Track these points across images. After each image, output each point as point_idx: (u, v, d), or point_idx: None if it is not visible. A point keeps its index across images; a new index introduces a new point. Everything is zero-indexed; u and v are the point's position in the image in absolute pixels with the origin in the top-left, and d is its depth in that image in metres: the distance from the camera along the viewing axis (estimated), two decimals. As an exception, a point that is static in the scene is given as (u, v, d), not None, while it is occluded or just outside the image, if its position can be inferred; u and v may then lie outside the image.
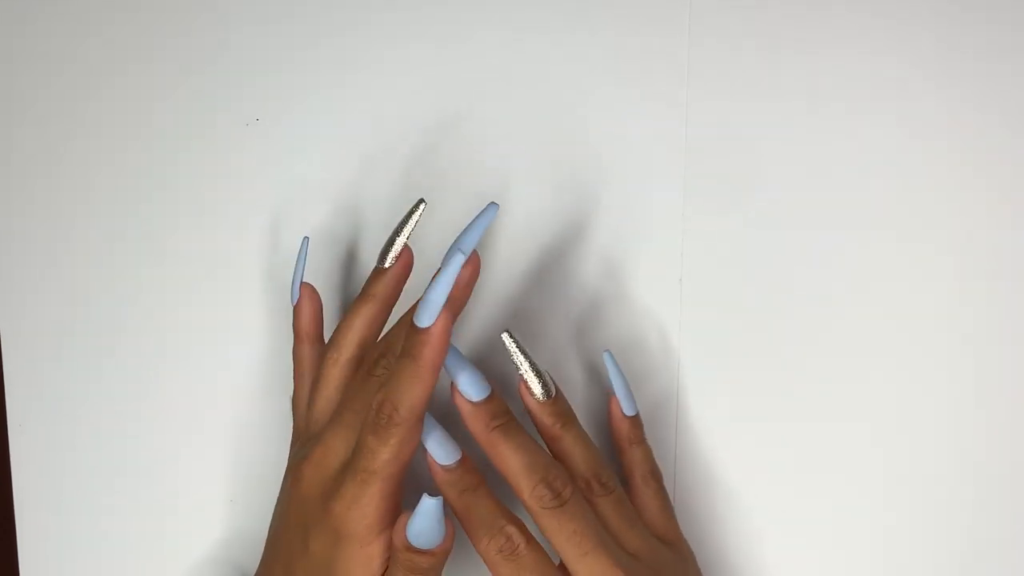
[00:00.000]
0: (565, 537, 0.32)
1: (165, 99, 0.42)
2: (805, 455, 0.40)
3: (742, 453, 0.40)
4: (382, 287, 0.37)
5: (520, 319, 0.41)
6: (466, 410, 0.34)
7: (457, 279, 0.32)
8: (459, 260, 0.31)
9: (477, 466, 0.35)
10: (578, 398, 0.41)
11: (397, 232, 0.37)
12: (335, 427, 0.35)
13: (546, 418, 0.35)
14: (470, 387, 0.33)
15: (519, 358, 0.35)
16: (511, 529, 0.33)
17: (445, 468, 0.34)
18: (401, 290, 0.38)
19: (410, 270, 0.38)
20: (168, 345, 0.43)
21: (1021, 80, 0.38)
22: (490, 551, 0.33)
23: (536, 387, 0.35)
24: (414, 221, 0.37)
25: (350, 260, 0.42)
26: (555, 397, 0.35)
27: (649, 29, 0.40)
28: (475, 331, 0.41)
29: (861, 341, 0.40)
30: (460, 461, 0.34)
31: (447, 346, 0.32)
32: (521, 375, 0.35)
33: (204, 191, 0.42)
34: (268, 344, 0.42)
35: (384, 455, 0.32)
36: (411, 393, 0.31)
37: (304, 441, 0.37)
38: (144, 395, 0.43)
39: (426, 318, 0.31)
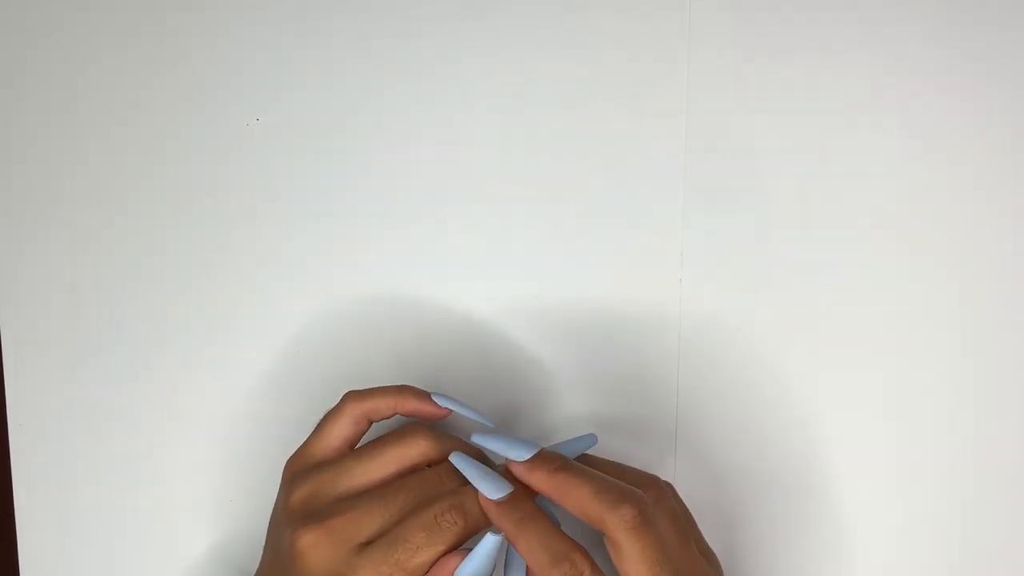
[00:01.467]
0: None
1: (165, 99, 0.42)
2: (805, 455, 0.40)
3: (742, 453, 0.40)
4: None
5: (518, 320, 0.41)
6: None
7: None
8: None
9: (528, 495, 0.34)
10: (578, 400, 0.41)
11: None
12: (374, 501, 0.33)
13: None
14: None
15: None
16: (576, 556, 0.31)
17: (497, 502, 0.33)
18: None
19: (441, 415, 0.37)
20: (168, 345, 0.43)
21: (1021, 80, 0.38)
22: None
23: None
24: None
25: (353, 259, 0.42)
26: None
27: (649, 29, 0.40)
28: (470, 330, 0.41)
29: (861, 340, 0.39)
30: (511, 494, 0.33)
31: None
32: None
33: (204, 191, 0.42)
34: (268, 343, 0.42)
35: (425, 556, 0.32)
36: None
37: (313, 481, 0.35)
38: (144, 395, 0.43)
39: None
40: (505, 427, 0.42)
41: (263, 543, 0.37)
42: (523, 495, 0.33)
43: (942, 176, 0.39)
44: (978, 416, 0.39)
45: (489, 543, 0.32)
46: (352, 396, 0.36)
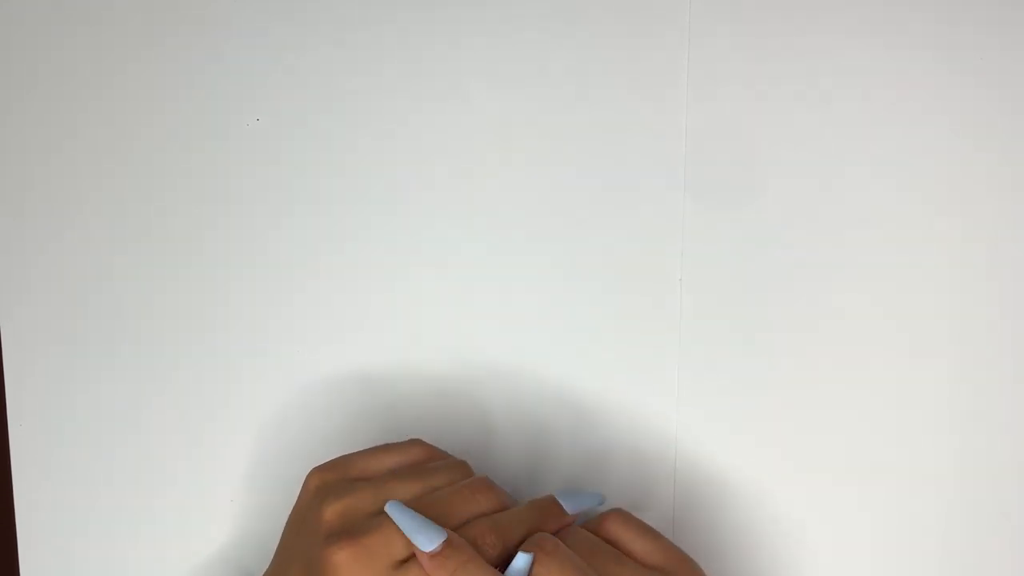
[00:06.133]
0: None
1: (165, 99, 0.42)
2: (805, 456, 0.40)
3: (742, 454, 0.40)
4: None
5: (518, 318, 0.41)
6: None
7: None
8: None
9: (464, 541, 0.33)
10: (574, 399, 0.41)
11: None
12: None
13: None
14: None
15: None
16: None
17: (430, 553, 0.32)
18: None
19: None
20: (167, 345, 0.43)
21: (1022, 79, 0.38)
22: None
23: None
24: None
25: (354, 255, 0.42)
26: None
27: (649, 29, 0.40)
28: (476, 342, 0.41)
29: (862, 341, 0.39)
30: (446, 542, 0.32)
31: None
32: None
33: (204, 191, 0.42)
34: (269, 343, 0.42)
35: None
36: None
37: (352, 496, 0.34)
38: (143, 395, 0.43)
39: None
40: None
41: (264, 542, 0.37)
42: (460, 542, 0.33)
43: (943, 176, 0.39)
44: (979, 414, 0.39)
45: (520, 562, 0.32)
46: (420, 443, 0.37)
